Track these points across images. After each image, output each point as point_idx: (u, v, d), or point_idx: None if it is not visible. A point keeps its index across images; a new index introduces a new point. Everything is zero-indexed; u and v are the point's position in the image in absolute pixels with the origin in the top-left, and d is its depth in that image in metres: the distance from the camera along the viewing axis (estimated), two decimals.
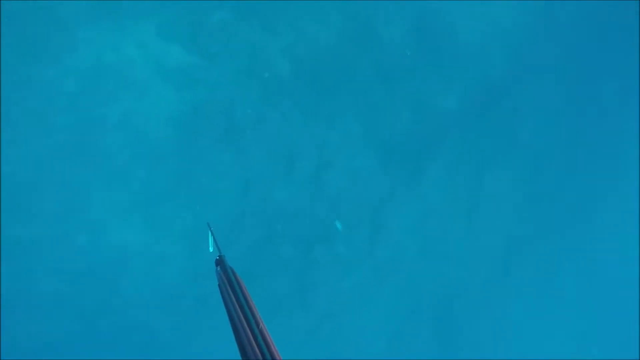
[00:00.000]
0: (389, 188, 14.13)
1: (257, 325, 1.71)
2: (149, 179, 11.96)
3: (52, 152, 10.81)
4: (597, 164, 14.75)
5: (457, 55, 14.11)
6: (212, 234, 2.59)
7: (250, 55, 12.20)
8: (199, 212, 12.36)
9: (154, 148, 11.82)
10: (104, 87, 11.04)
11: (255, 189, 12.92)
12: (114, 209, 11.75)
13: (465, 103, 14.37)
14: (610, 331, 14.14)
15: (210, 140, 12.36)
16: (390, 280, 14.34)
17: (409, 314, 14.54)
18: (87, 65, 10.75)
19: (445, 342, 14.88)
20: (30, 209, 10.91)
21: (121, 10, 10.64)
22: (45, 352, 10.81)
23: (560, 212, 14.41)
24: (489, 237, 15.29)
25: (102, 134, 11.21)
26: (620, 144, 14.85)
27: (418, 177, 14.34)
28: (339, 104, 13.40)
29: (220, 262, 2.17)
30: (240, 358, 1.68)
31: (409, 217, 14.35)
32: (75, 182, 11.22)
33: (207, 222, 2.79)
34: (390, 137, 13.94)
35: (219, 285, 2.04)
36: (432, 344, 14.73)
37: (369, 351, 14.06)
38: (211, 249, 2.52)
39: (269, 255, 13.07)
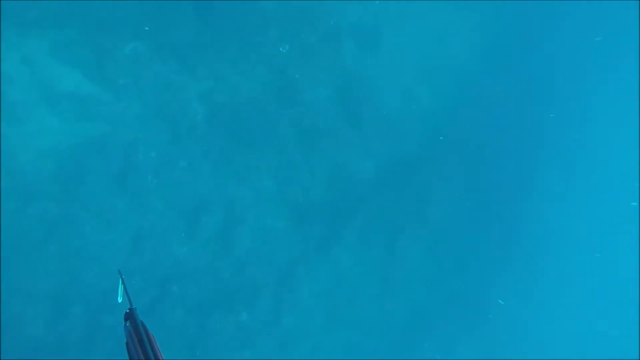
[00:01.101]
0: (301, 251, 13.26)
1: None
2: (17, 222, 9.78)
3: None
4: (497, 242, 15.61)
5: (377, 123, 14.36)
6: (123, 283, 2.39)
7: (162, 94, 11.09)
8: (73, 267, 10.28)
9: (25, 184, 9.81)
10: None
11: (150, 242, 11.23)
12: None
13: (381, 171, 14.45)
14: None
15: (102, 182, 10.64)
16: (295, 350, 13.06)
17: None
18: None
19: None
20: None
21: (6, 14, 9.07)
22: None
23: (465, 284, 14.76)
24: (399, 306, 14.95)
25: None
26: (516, 222, 15.98)
27: (331, 241, 13.73)
28: (254, 158, 12.61)
29: (130, 315, 1.98)
30: None
31: (319, 283, 13.49)
32: None
33: (118, 270, 2.57)
34: (304, 198, 13.32)
35: (126, 343, 1.81)
36: None
37: None
38: (120, 300, 2.38)
39: (159, 321, 11.16)
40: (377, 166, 14.31)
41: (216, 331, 11.68)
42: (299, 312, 12.83)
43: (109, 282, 10.66)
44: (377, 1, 13.98)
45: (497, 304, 15.37)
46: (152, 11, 10.61)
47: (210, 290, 11.82)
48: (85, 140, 10.43)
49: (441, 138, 14.46)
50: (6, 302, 9.70)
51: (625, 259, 17.35)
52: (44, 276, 10.23)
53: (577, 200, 17.19)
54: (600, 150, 17.18)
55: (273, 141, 12.82)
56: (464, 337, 15.18)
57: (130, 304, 2.16)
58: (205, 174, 11.88)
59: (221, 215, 12.05)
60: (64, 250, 10.34)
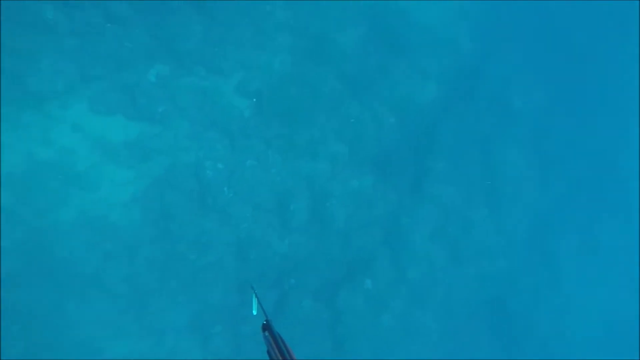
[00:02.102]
0: (397, 201, 12.56)
1: None
2: (133, 277, 10.15)
3: (8, 278, 9.00)
4: None
5: (421, 46, 13.09)
6: (257, 297, 2.71)
7: (201, 104, 10.81)
8: (199, 293, 10.52)
9: (126, 238, 10.09)
10: (47, 189, 9.41)
11: (253, 249, 11.19)
12: (100, 322, 9.83)
13: (444, 88, 13.20)
14: None
15: (186, 211, 10.69)
16: (431, 299, 12.53)
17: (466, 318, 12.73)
18: (18, 171, 9.16)
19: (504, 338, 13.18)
20: None
21: (39, 94, 9.21)
22: None
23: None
24: (514, 225, 13.82)
25: (59, 243, 9.47)
26: None
27: (422, 180, 12.85)
28: (315, 129, 11.99)
29: (267, 327, 2.15)
30: None
31: (427, 225, 12.74)
32: (48, 302, 9.36)
33: (251, 285, 2.94)
34: (380, 146, 12.51)
35: (267, 351, 1.98)
36: (495, 344, 13.02)
37: None
38: (255, 312, 2.71)
39: (291, 317, 11.18)
40: (438, 85, 13.07)
41: (348, 307, 11.46)
42: (419, 261, 12.23)
43: (236, 297, 10.84)
44: None
45: None
46: (155, 29, 10.26)
47: (326, 271, 11.59)
48: (157, 178, 10.49)
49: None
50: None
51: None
52: (183, 310, 10.56)
53: None
54: None
55: (326, 103, 12.09)
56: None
57: (266, 315, 2.26)
58: (275, 163, 11.52)
59: (307, 197, 11.69)
60: (183, 283, 10.59)
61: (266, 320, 2.26)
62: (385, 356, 11.53)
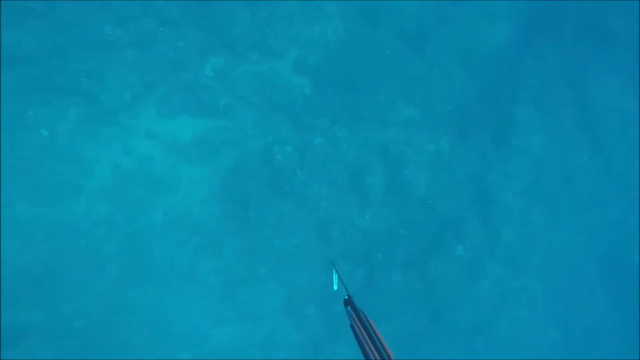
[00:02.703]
0: (479, 159, 11.57)
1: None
2: (223, 268, 10.56)
3: (114, 283, 9.81)
4: None
5: None
6: (337, 273, 2.82)
7: (262, 89, 10.67)
8: (285, 277, 10.69)
9: (209, 232, 10.48)
10: (134, 196, 9.99)
11: (334, 227, 11.03)
12: (201, 312, 10.41)
13: (517, 27, 11.68)
14: None
15: (263, 198, 10.79)
16: (531, 256, 11.53)
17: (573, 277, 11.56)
18: (109, 184, 9.80)
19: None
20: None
21: (113, 108, 9.68)
22: None
23: None
24: (624, 165, 12.07)
25: (153, 244, 10.07)
26: None
27: (506, 130, 11.66)
28: (381, 94, 11.33)
29: (349, 302, 2.20)
30: None
31: (516, 179, 11.61)
32: (154, 299, 10.09)
33: (332, 262, 3.21)
34: (453, 102, 11.52)
35: (351, 325, 2.03)
36: (611, 304, 11.70)
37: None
38: (336, 288, 2.81)
39: (382, 292, 10.95)
40: (510, 23, 11.58)
41: (440, 276, 10.95)
42: (513, 220, 11.23)
43: (324, 277, 10.86)
44: None
45: None
46: (203, 22, 10.21)
47: (413, 242, 11.13)
48: (229, 170, 10.67)
49: None
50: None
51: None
52: (276, 295, 10.85)
53: None
54: None
55: (388, 66, 11.33)
56: None
57: (347, 290, 2.30)
58: (344, 137, 11.14)
59: (383, 168, 11.20)
60: (271, 269, 10.81)
61: (347, 295, 2.29)
62: (488, 324, 10.90)
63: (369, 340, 1.91)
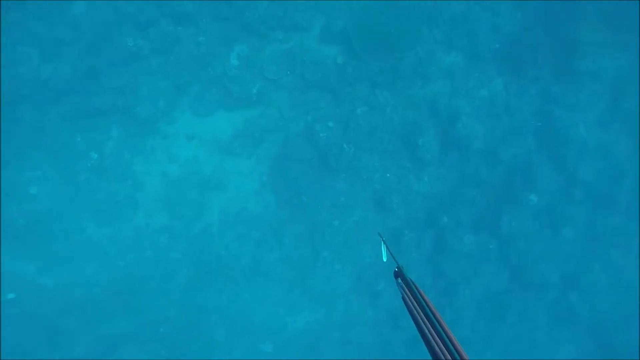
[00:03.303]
0: (542, 98, 10.35)
1: (446, 333, 1.64)
2: (287, 257, 10.48)
3: (187, 287, 10.10)
4: None
5: None
6: (385, 244, 2.66)
7: (293, 67, 10.20)
8: (350, 259, 10.40)
9: (270, 223, 10.39)
10: (188, 201, 10.10)
11: (394, 197, 10.50)
12: (274, 303, 10.48)
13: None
14: None
15: (315, 179, 10.48)
16: (616, 197, 10.27)
17: None
18: (162, 194, 9.96)
19: None
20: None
21: (150, 119, 9.72)
22: None
23: None
24: None
25: (215, 244, 10.19)
26: None
27: (571, 58, 10.27)
28: (420, 49, 10.42)
29: (399, 274, 2.11)
30: None
31: (589, 113, 10.28)
32: (228, 296, 10.29)
33: (378, 232, 3.03)
34: (502, 44, 10.32)
35: (402, 297, 1.96)
36: None
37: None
38: (385, 259, 2.65)
39: (453, 258, 10.35)
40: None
41: (516, 232, 10.11)
42: (591, 155, 10.01)
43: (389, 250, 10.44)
44: None
45: None
46: (220, 11, 9.84)
47: (479, 198, 10.32)
48: (275, 157, 10.44)
49: None
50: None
51: None
52: (344, 275, 10.66)
53: None
54: None
55: (422, 16, 10.33)
56: None
57: (396, 262, 2.24)
58: (387, 102, 10.43)
59: (434, 125, 10.40)
60: (334, 250, 10.58)
61: (397, 267, 2.20)
62: (579, 275, 9.96)
63: (421, 312, 1.85)
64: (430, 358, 1.64)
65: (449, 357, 1.58)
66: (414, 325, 1.84)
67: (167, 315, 9.96)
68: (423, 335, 1.75)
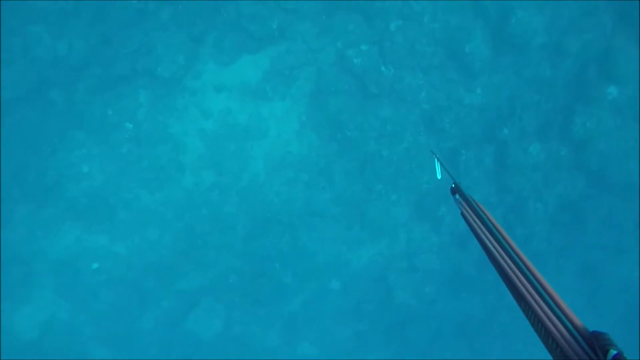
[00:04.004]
0: None
1: (508, 243, 1.63)
2: (339, 195, 10.16)
3: (247, 237, 10.25)
4: None
5: None
6: (439, 161, 2.57)
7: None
8: (406, 188, 9.85)
9: (317, 163, 10.00)
10: (230, 153, 9.89)
11: (445, 110, 9.56)
12: (336, 241, 10.41)
13: None
14: None
15: (356, 108, 9.74)
16: None
17: None
18: (204, 152, 9.81)
19: None
20: None
21: (173, 77, 9.31)
22: None
23: None
24: None
25: (267, 191, 10.06)
26: None
27: None
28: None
29: (456, 189, 2.11)
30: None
31: None
32: (287, 246, 10.38)
33: (431, 150, 2.94)
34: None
35: (461, 213, 1.95)
36: None
37: None
38: (439, 177, 2.58)
39: (522, 163, 9.43)
40: None
41: (592, 133, 8.87)
42: None
43: (445, 173, 9.74)
44: None
45: None
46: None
47: (544, 101, 9.08)
48: (311, 93, 9.76)
49: None
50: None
51: None
52: (403, 205, 10.24)
53: None
54: None
55: None
56: None
57: (452, 177, 2.20)
58: (424, 10, 9.10)
59: (482, 27, 9.01)
60: (388, 181, 10.06)
61: (454, 183, 2.15)
62: None
63: (481, 225, 1.80)
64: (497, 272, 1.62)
65: (513, 267, 1.54)
66: (477, 242, 1.80)
67: (234, 266, 10.30)
68: (486, 249, 1.72)
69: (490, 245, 1.68)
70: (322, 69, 9.64)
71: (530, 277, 1.49)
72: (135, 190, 9.93)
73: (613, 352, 1.17)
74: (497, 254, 1.63)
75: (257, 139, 9.97)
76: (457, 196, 2.09)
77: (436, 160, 2.57)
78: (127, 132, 9.46)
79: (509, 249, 1.60)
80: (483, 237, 1.75)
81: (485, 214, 1.82)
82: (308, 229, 10.26)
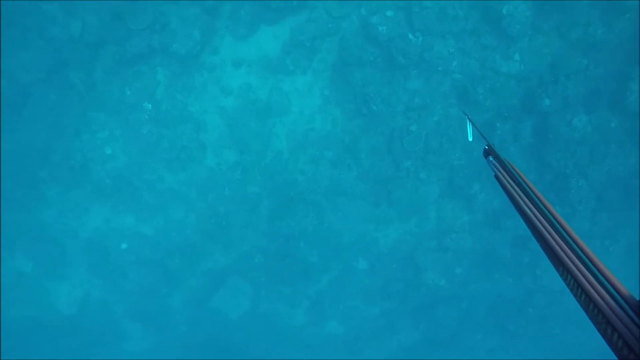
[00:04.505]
0: None
1: (545, 206, 1.56)
2: (367, 172, 9.70)
3: (271, 217, 10.05)
4: None
5: None
6: (471, 121, 2.50)
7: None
8: (436, 164, 9.25)
9: (341, 139, 9.54)
10: (252, 130, 9.56)
11: (478, 80, 8.80)
12: (366, 217, 10.05)
13: None
14: None
15: (381, 79, 9.13)
16: None
17: None
18: (224, 129, 9.54)
19: None
20: None
21: (189, 53, 8.96)
22: None
23: None
24: None
25: (290, 169, 9.74)
26: None
27: None
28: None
29: (489, 151, 2.03)
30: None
31: None
32: (311, 225, 10.12)
33: (463, 111, 3.12)
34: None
35: (495, 176, 1.88)
36: None
37: None
38: (471, 139, 2.51)
39: (566, 137, 8.64)
40: None
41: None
42: None
43: (479, 149, 9.07)
44: None
45: None
46: None
47: (594, 66, 8.13)
48: (334, 64, 9.20)
49: None
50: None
51: None
52: (434, 182, 9.72)
53: None
54: None
55: None
56: None
57: (485, 139, 2.09)
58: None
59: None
60: (420, 155, 9.50)
61: (487, 145, 2.02)
62: None
63: (516, 187, 1.70)
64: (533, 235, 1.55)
65: (551, 230, 1.48)
66: (512, 205, 1.74)
67: (259, 245, 10.17)
68: (521, 212, 1.64)
69: (526, 208, 1.61)
70: (345, 39, 9.02)
71: (569, 240, 1.41)
72: (158, 171, 9.84)
73: None
74: (533, 217, 1.57)
75: (279, 115, 9.57)
76: (491, 158, 2.01)
77: (468, 121, 2.47)
78: (146, 112, 9.27)
79: (546, 212, 1.54)
80: (518, 199, 1.68)
81: (520, 176, 1.75)
82: (333, 207, 9.92)
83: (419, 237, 9.97)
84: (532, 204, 1.61)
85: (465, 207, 9.63)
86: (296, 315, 10.67)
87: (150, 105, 9.25)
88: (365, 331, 10.70)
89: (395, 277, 10.23)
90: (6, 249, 10.43)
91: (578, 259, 1.34)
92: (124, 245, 10.32)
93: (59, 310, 10.87)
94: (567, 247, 1.40)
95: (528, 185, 1.68)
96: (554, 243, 1.44)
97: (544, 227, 1.50)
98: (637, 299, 1.10)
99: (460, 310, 9.97)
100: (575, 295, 1.32)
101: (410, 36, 8.77)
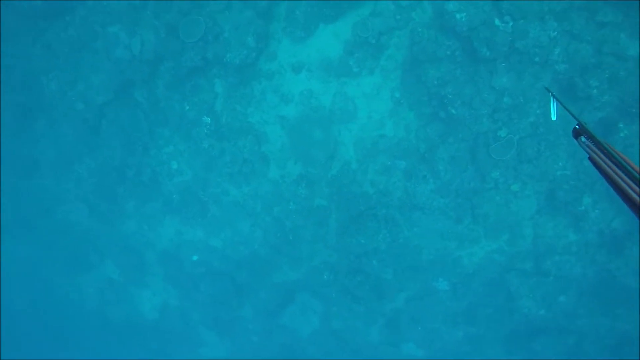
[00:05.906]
0: None
1: None
2: (445, 184, 8.42)
3: (340, 232, 9.27)
4: None
5: None
6: (556, 99, 2.29)
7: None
8: (532, 175, 7.64)
9: (416, 145, 8.33)
10: (316, 139, 8.75)
11: (588, 75, 6.97)
12: (446, 237, 8.85)
13: None
14: None
15: (463, 78, 7.69)
16: None
17: None
18: (285, 140, 8.85)
19: None
20: None
21: (244, 62, 8.30)
22: None
23: None
24: None
25: (355, 176, 8.81)
26: None
27: None
28: None
29: (581, 130, 1.86)
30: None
31: None
32: (385, 242, 9.16)
33: (546, 87, 2.87)
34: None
35: (590, 158, 1.74)
36: None
37: None
38: (554, 118, 2.32)
39: None
40: None
41: None
42: None
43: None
44: None
45: None
46: None
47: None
48: (405, 62, 7.97)
49: None
50: None
51: None
52: (527, 198, 8.19)
53: None
54: None
55: None
56: None
57: (575, 117, 1.88)
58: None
59: None
60: (510, 167, 7.97)
61: (578, 124, 1.85)
62: None
63: (614, 167, 1.54)
64: None
65: None
66: (611, 187, 1.53)
67: (329, 261, 9.48)
68: (624, 196, 1.45)
69: (630, 191, 1.45)
70: (417, 31, 7.69)
71: None
72: (222, 184, 9.53)
73: None
74: (631, 192, 1.43)
75: (345, 122, 8.62)
76: (583, 139, 1.82)
77: (552, 98, 2.26)
78: (205, 126, 8.91)
79: None
80: (620, 182, 1.50)
81: (621, 157, 1.58)
82: (409, 223, 8.82)
83: (511, 257, 8.50)
84: (638, 187, 1.43)
85: (572, 225, 7.91)
86: (371, 332, 9.91)
87: (209, 119, 8.86)
88: (447, 355, 9.60)
89: (482, 301, 8.92)
90: (98, 257, 11.04)
91: None
92: (194, 257, 10.32)
93: (143, 314, 11.36)
94: None
95: (632, 167, 1.50)
96: None
97: None
98: None
99: (567, 345, 8.39)
100: None
101: (497, 22, 7.17)
